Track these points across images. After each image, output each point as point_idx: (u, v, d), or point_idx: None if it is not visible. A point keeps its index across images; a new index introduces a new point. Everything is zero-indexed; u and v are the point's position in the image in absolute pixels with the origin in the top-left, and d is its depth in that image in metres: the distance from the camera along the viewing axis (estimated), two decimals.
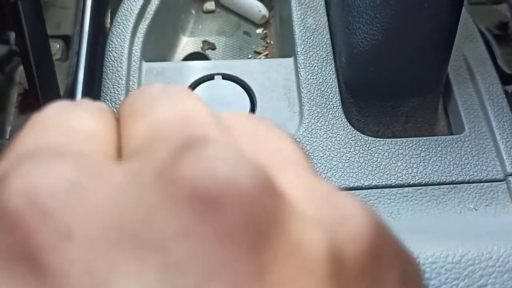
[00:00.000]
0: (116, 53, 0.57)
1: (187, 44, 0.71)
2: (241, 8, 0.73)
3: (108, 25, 0.71)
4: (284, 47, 0.67)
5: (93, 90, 0.64)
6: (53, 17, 0.65)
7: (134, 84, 0.56)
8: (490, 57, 0.61)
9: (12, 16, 0.41)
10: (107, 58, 0.57)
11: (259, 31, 0.73)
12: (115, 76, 0.56)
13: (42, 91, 0.45)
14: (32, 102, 0.48)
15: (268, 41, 0.72)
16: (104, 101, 0.54)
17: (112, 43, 0.58)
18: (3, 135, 0.55)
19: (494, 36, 0.66)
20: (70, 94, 0.60)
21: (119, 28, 0.59)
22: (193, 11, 0.74)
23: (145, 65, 0.59)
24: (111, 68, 0.56)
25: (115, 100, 0.54)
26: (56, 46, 0.62)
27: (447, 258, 0.40)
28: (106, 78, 0.56)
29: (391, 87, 0.54)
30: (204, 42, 0.71)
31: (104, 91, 0.55)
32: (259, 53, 0.70)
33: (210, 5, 0.75)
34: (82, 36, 0.64)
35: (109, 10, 0.72)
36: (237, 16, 0.74)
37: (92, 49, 0.65)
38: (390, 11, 0.50)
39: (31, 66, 0.43)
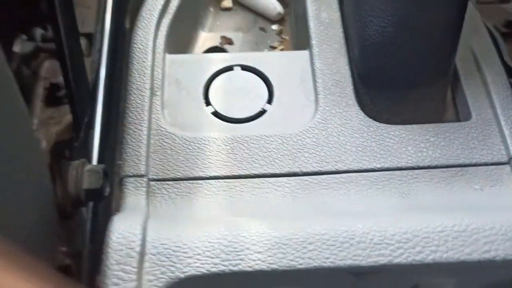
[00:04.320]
0: (142, 45, 0.61)
1: (206, 39, 0.74)
2: (257, 5, 0.77)
3: (128, 26, 0.74)
4: (299, 41, 0.70)
5: (114, 85, 0.67)
6: (77, 15, 0.68)
7: (158, 74, 0.59)
8: (497, 53, 0.63)
9: (49, 12, 0.44)
10: (133, 50, 0.60)
11: (274, 27, 0.76)
12: (141, 66, 0.59)
13: (75, 84, 0.48)
14: (62, 96, 0.51)
15: (283, 37, 0.75)
16: (130, 90, 0.57)
17: (137, 35, 0.62)
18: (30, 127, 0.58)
19: (501, 33, 0.69)
20: (93, 88, 0.64)
21: (144, 22, 0.63)
22: (211, 8, 0.77)
23: (168, 57, 0.62)
24: (136, 59, 0.59)
25: (141, 89, 0.57)
26: None
27: (453, 227, 0.43)
28: (132, 68, 0.59)
29: (402, 77, 0.57)
30: (222, 37, 0.75)
31: (131, 80, 0.58)
32: (275, 48, 0.74)
33: (227, 3, 0.78)
34: (104, 34, 0.68)
35: (128, 12, 0.75)
36: (253, 13, 0.78)
37: (113, 47, 0.68)
38: (401, 4, 0.53)
39: (65, 60, 0.46)
